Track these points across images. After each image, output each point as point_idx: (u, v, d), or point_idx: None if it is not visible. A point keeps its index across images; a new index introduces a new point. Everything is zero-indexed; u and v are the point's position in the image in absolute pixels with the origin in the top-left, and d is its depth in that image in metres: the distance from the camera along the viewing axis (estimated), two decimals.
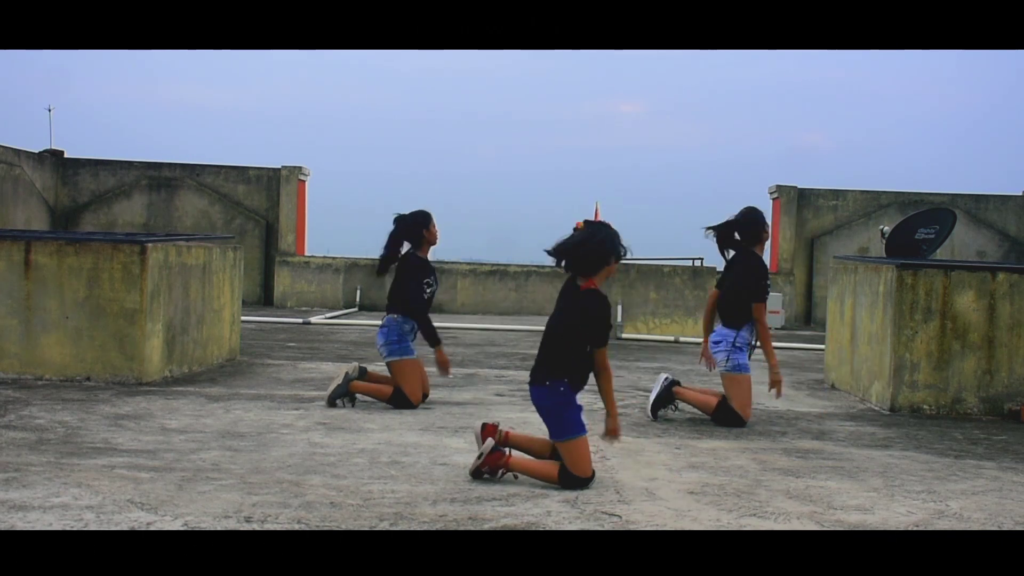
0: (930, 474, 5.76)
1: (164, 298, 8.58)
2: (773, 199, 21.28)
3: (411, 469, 5.40)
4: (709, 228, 7.32)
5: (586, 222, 5.19)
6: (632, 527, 4.39)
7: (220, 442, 5.97)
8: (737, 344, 7.21)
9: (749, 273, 7.21)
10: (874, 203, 20.83)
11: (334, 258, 20.93)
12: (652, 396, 7.32)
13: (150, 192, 20.93)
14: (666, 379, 7.33)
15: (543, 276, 20.59)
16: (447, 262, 20.93)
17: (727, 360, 7.20)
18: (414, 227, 7.66)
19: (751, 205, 7.51)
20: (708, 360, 7.35)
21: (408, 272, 7.57)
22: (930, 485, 5.46)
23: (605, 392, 5.20)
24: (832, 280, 10.36)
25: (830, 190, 21.04)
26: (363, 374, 7.56)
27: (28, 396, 7.43)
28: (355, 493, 4.80)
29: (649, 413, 7.29)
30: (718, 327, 7.36)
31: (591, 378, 5.21)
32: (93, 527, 4.10)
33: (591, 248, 5.09)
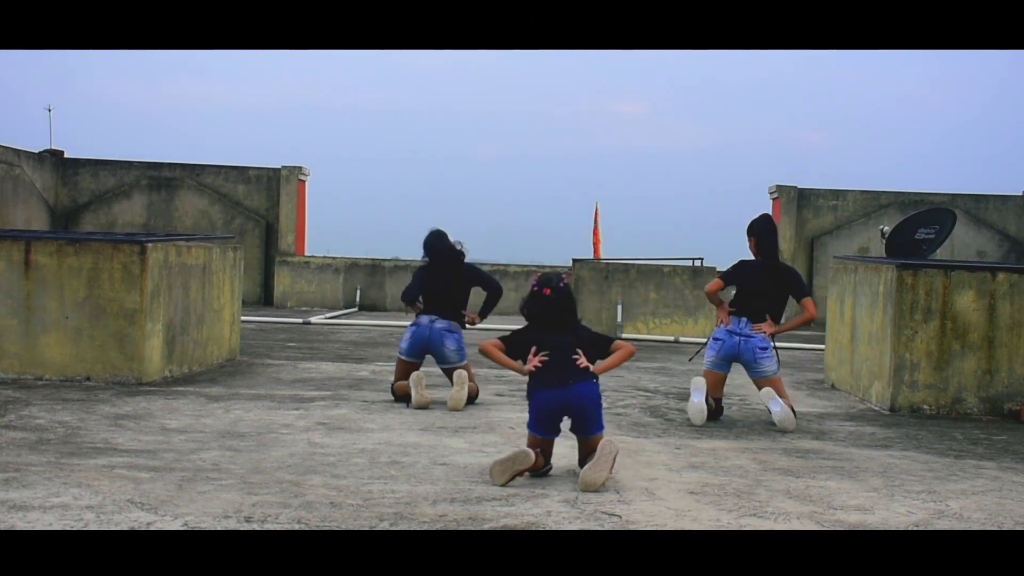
0: (930, 474, 5.76)
1: (164, 298, 8.58)
2: (773, 199, 21.28)
3: (411, 469, 5.40)
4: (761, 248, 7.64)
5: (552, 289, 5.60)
6: (632, 527, 4.39)
7: (220, 442, 5.97)
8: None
9: (798, 277, 7.69)
10: (874, 203, 20.83)
11: (334, 258, 20.93)
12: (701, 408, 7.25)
13: (150, 192, 20.93)
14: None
15: None
16: None
17: (776, 365, 7.43)
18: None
19: (761, 215, 7.82)
20: (725, 319, 7.54)
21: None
22: (930, 485, 5.46)
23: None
24: (832, 280, 10.36)
25: (830, 190, 21.04)
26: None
27: (28, 396, 7.43)
28: (355, 493, 4.80)
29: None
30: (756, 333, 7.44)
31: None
32: (93, 527, 4.10)
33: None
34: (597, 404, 5.41)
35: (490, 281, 8.10)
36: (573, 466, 5.60)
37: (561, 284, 5.57)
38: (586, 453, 5.36)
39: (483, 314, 8.15)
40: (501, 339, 5.56)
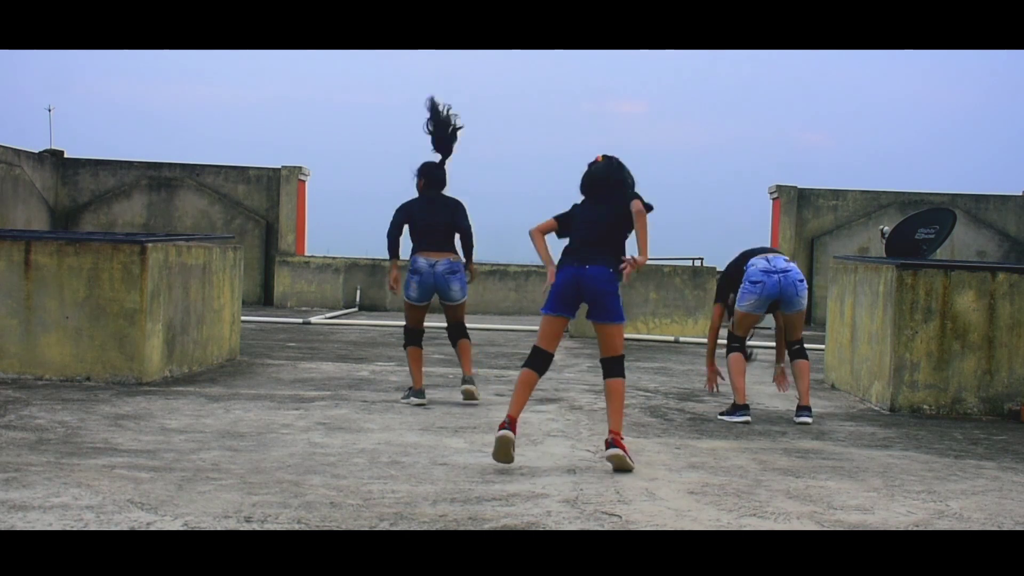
0: (930, 474, 5.76)
1: (164, 298, 8.58)
2: (773, 199, 21.28)
3: (411, 469, 5.40)
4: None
5: (604, 156, 5.94)
6: (632, 527, 4.39)
7: (220, 442, 5.97)
8: None
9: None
10: (874, 203, 20.83)
11: (334, 258, 20.93)
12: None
13: (150, 192, 20.93)
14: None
15: (543, 276, 20.59)
16: None
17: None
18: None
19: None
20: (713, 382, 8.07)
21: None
22: (930, 485, 5.46)
23: (643, 233, 5.78)
24: (832, 280, 10.36)
25: (830, 190, 21.04)
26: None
27: (28, 396, 7.43)
28: (355, 493, 4.81)
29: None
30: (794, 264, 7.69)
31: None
32: (93, 527, 4.10)
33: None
34: (610, 290, 5.62)
35: (466, 227, 8.01)
36: (573, 465, 5.60)
37: (615, 158, 5.90)
38: (607, 346, 5.68)
39: (467, 262, 8.07)
40: (556, 218, 5.91)
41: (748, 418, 7.37)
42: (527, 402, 5.69)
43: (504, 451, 5.42)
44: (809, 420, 7.45)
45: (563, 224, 5.91)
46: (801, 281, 7.48)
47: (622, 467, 5.50)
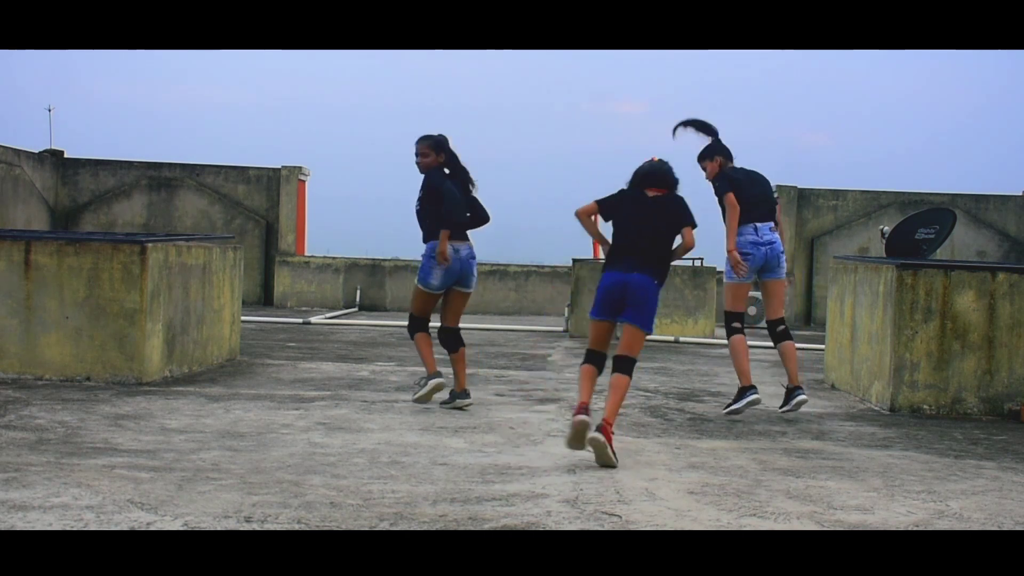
0: (930, 474, 5.76)
1: (164, 298, 8.59)
2: None
3: (411, 469, 5.40)
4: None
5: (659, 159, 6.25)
6: (632, 527, 4.39)
7: (220, 442, 5.97)
8: None
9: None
10: (874, 203, 20.83)
11: (334, 258, 20.93)
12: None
13: (150, 192, 20.93)
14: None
15: (543, 276, 20.58)
16: None
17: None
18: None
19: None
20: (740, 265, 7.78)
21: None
22: (930, 485, 5.46)
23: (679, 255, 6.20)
24: (832, 280, 10.36)
25: (830, 190, 21.03)
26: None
27: (28, 396, 7.43)
28: (355, 493, 4.81)
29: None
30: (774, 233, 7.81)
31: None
32: (93, 527, 4.10)
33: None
34: (651, 298, 5.89)
35: (488, 217, 7.94)
36: (573, 465, 5.60)
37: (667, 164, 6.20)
38: (625, 344, 5.92)
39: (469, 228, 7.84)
40: (597, 202, 6.16)
41: (757, 396, 7.47)
42: (593, 390, 5.92)
43: (579, 437, 5.57)
44: (805, 398, 7.61)
45: (606, 209, 6.15)
46: (782, 253, 7.79)
47: (603, 457, 5.56)
